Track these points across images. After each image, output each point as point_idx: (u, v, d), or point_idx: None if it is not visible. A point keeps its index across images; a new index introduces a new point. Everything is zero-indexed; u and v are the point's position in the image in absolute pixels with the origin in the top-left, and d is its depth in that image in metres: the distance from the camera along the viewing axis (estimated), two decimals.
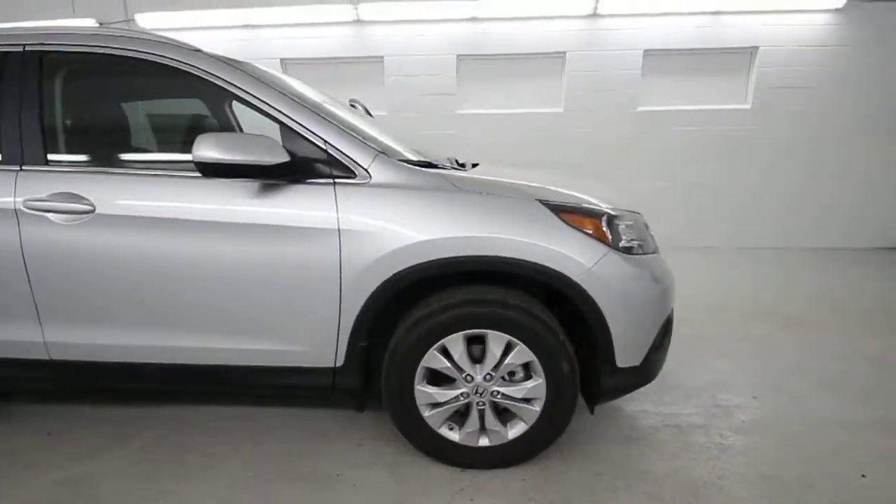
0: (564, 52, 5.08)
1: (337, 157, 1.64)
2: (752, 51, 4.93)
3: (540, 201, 1.65)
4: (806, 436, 2.03)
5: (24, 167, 1.68)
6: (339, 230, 1.59)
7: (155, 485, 1.77)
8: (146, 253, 1.65)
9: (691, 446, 1.97)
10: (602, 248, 1.62)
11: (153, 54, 1.70)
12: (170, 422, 2.16)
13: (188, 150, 1.53)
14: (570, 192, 1.77)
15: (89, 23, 5.25)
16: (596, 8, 4.83)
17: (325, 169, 1.63)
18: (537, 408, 1.73)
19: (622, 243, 1.68)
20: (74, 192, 1.64)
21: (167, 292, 1.68)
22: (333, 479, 1.80)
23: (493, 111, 5.30)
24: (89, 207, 1.63)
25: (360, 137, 1.70)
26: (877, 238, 5.30)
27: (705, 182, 5.19)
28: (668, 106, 5.10)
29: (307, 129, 1.64)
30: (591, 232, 1.63)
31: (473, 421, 1.76)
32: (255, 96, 1.66)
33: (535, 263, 1.57)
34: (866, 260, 4.99)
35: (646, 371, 1.76)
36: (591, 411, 1.87)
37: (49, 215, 1.64)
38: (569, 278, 1.58)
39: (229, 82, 1.67)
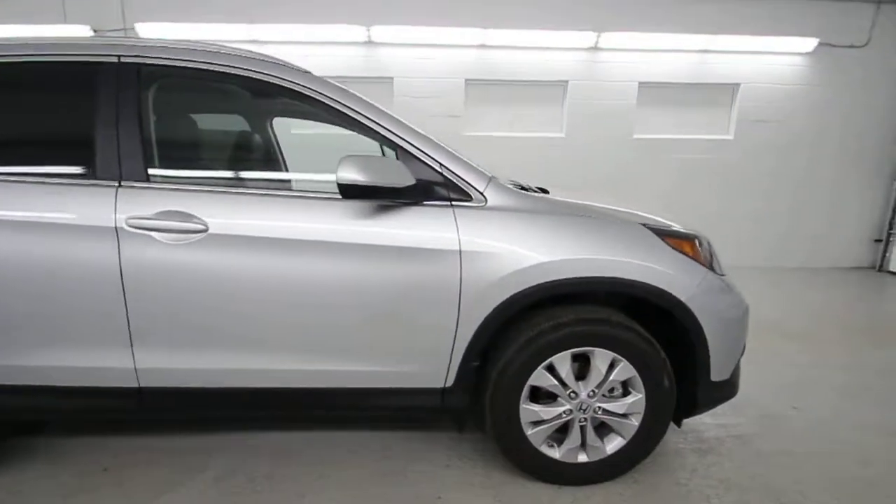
0: (567, 81, 5.35)
1: (453, 180, 1.68)
2: (734, 87, 5.40)
3: (644, 225, 1.76)
4: (854, 441, 2.22)
5: (122, 183, 1.60)
6: (460, 251, 1.62)
7: None
8: (258, 273, 1.60)
9: (760, 455, 2.10)
10: (701, 270, 1.74)
11: (261, 73, 1.68)
12: (236, 450, 2.05)
13: (296, 169, 1.53)
14: (655, 217, 1.90)
15: (84, 30, 5.00)
16: (597, 42, 5.14)
17: (443, 192, 1.67)
18: (635, 422, 1.80)
19: (712, 264, 1.82)
20: (184, 210, 1.58)
21: (277, 314, 1.63)
22: (435, 501, 1.79)
23: (498, 134, 5.46)
24: (202, 227, 1.57)
25: (471, 162, 1.75)
26: (840, 258, 5.84)
27: (694, 204, 5.54)
28: (661, 134, 5.46)
29: (424, 152, 1.68)
30: (690, 254, 1.75)
31: (574, 437, 1.81)
32: (371, 119, 1.68)
33: (649, 285, 1.66)
34: (830, 279, 5.48)
35: (733, 384, 1.89)
36: (679, 425, 1.96)
37: (154, 234, 1.57)
38: (678, 299, 1.68)
39: (344, 104, 1.68)
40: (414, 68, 5.24)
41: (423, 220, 1.64)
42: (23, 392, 1.66)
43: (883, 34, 5.13)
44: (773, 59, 5.24)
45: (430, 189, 1.65)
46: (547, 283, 1.64)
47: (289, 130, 2.22)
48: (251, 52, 1.76)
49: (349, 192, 1.53)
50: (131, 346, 1.63)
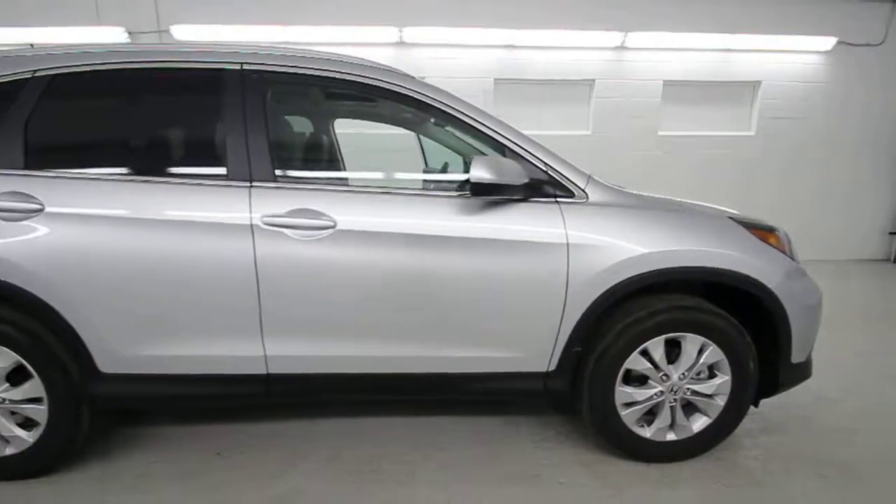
0: (593, 80, 5.47)
1: (557, 178, 1.81)
2: (755, 84, 5.55)
3: (731, 218, 1.89)
4: None
5: (254, 184, 1.71)
6: (567, 245, 1.75)
7: (370, 494, 1.81)
8: (380, 266, 1.72)
9: (824, 432, 2.25)
10: (786, 260, 1.88)
11: (377, 79, 1.80)
12: (339, 434, 2.17)
13: (413, 169, 1.65)
14: (734, 211, 2.03)
15: (118, 32, 5.06)
16: (623, 42, 5.27)
17: (549, 189, 1.79)
18: (721, 402, 1.94)
19: (791, 253, 1.95)
20: (314, 208, 1.69)
21: (397, 304, 1.75)
22: (535, 478, 1.92)
23: (526, 132, 5.57)
24: (330, 223, 1.68)
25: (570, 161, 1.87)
26: (856, 251, 6.02)
27: (715, 198, 5.69)
28: (685, 131, 5.61)
29: (530, 153, 1.80)
30: (774, 244, 1.89)
31: (665, 417, 1.94)
32: (480, 122, 1.80)
33: (741, 274, 1.80)
34: (847, 270, 5.66)
35: (808, 366, 2.03)
36: (756, 405, 2.10)
37: (287, 231, 1.68)
38: (768, 287, 1.81)
39: (455, 108, 1.80)
40: (444, 68, 5.34)
41: (533, 215, 1.76)
42: (165, 380, 1.77)
43: None
44: (793, 57, 5.40)
45: (538, 187, 1.77)
46: (647, 273, 1.77)
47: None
48: (362, 58, 1.87)
49: (478, 189, 1.65)
50: (262, 335, 1.75)
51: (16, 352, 1.71)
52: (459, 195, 1.78)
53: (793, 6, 5.24)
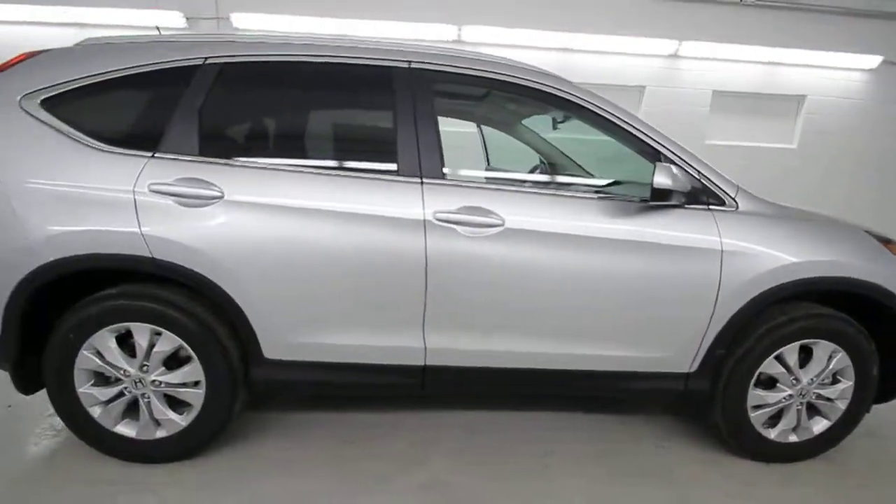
0: (644, 87, 5.55)
1: (710, 186, 1.87)
2: (799, 98, 5.67)
3: (865, 231, 1.97)
4: None
5: (424, 180, 1.75)
6: (721, 251, 1.81)
7: (510, 485, 1.86)
8: (544, 266, 1.77)
9: None
10: None
11: (539, 83, 1.85)
12: (458, 426, 2.22)
13: (573, 173, 1.70)
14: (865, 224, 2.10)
15: (176, 16, 5.02)
16: (677, 50, 5.35)
17: (703, 197, 1.85)
18: (842, 406, 2.02)
19: None
20: (484, 206, 1.73)
21: (557, 302, 1.81)
22: (668, 474, 1.99)
23: (578, 136, 5.64)
24: (499, 222, 1.73)
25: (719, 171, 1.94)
26: None
27: None
28: (731, 141, 5.71)
29: (685, 161, 1.86)
30: None
31: (790, 420, 2.02)
32: (635, 128, 1.86)
33: (877, 285, 1.87)
34: None
35: None
36: (869, 410, 2.18)
37: (457, 227, 1.72)
38: None
39: (611, 113, 1.85)
40: None
41: (690, 222, 1.82)
42: (325, 368, 1.81)
43: None
44: (839, 73, 5.52)
45: (694, 194, 1.83)
46: (794, 281, 1.84)
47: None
48: (520, 61, 1.92)
49: (656, 194, 1.71)
50: (423, 327, 1.79)
51: (180, 336, 1.74)
52: (623, 199, 1.84)
53: (840, 23, 5.35)
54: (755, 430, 2.00)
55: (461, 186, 1.77)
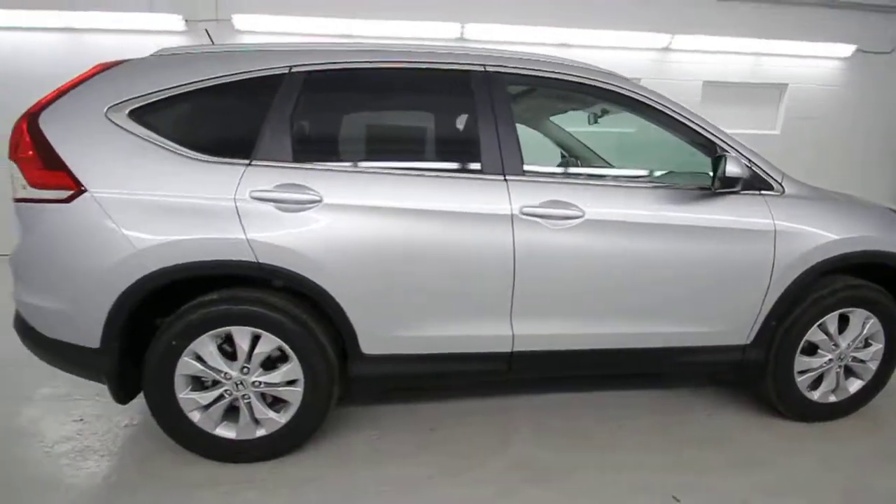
0: (639, 79, 5.75)
1: (760, 174, 2.04)
2: (782, 87, 6.01)
3: (890, 209, 2.19)
4: None
5: (507, 177, 1.86)
6: (774, 232, 1.99)
7: (592, 457, 2.01)
8: (621, 253, 1.91)
9: None
10: None
11: (603, 82, 2.00)
12: (528, 408, 2.35)
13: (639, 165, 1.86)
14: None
15: (174, 19, 4.93)
16: (670, 43, 5.60)
17: (755, 183, 2.02)
18: (874, 367, 2.24)
19: None
20: (564, 199, 1.86)
21: (633, 286, 1.95)
22: (727, 439, 2.17)
23: (572, 129, 5.83)
24: (579, 213, 1.86)
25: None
26: None
27: None
28: (629, 128, 6.00)
29: (738, 152, 2.03)
30: None
31: (830, 382, 2.23)
32: (696, 123, 2.02)
33: None
34: None
35: None
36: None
37: (541, 221, 1.84)
38: None
39: (674, 110, 2.01)
40: None
41: (747, 206, 2.00)
42: (418, 360, 1.91)
43: None
44: (817, 62, 5.88)
45: (748, 181, 2.00)
46: (837, 255, 2.04)
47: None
48: (586, 63, 2.05)
49: (725, 182, 1.87)
50: (510, 315, 1.91)
51: (279, 337, 1.80)
52: (684, 188, 1.99)
53: (818, 15, 5.70)
54: (801, 393, 2.21)
55: (540, 182, 1.89)
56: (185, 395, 1.81)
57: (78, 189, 1.68)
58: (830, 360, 2.19)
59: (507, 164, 1.86)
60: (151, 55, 1.88)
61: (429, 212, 1.80)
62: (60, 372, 1.92)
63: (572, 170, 2.05)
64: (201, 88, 1.79)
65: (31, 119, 1.74)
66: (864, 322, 2.17)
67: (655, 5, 5.48)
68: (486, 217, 1.82)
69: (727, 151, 2.00)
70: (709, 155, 2.03)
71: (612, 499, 1.79)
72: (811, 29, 5.71)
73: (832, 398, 2.26)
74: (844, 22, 5.72)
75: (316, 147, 1.87)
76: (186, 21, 4.99)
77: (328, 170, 1.79)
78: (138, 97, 1.76)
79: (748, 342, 2.11)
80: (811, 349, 2.19)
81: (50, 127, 1.72)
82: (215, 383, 1.84)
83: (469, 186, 1.84)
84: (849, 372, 2.27)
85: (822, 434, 2.23)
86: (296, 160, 1.78)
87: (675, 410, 2.39)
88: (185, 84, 1.78)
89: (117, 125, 1.74)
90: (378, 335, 1.85)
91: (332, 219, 1.75)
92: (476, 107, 1.88)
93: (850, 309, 2.14)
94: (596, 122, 2.68)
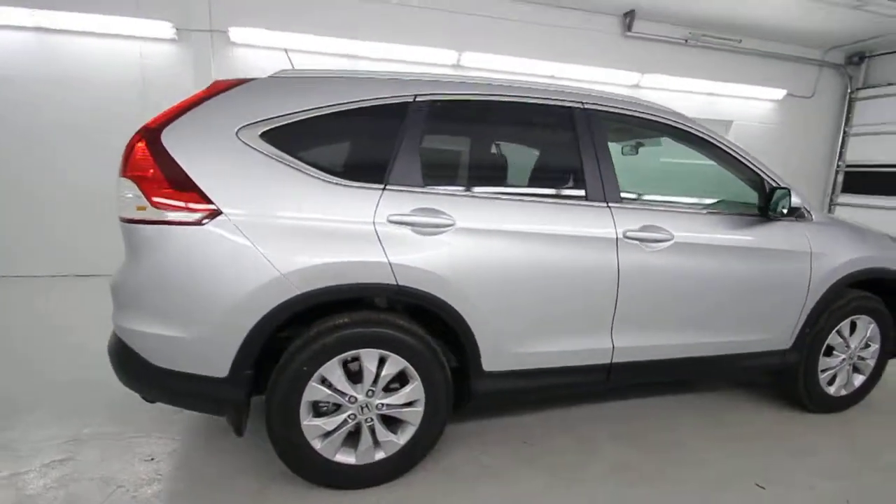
0: None
1: (796, 204, 2.41)
2: (727, 123, 6.87)
3: (888, 236, 2.66)
4: None
5: (609, 204, 2.05)
6: (811, 253, 2.35)
7: (674, 455, 2.22)
8: (697, 271, 2.16)
9: None
10: None
11: (676, 121, 2.26)
12: (600, 419, 2.51)
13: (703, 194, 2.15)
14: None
15: (164, 27, 4.67)
16: (639, 81, 6.21)
17: (795, 211, 2.38)
18: (872, 363, 2.68)
19: None
20: (658, 224, 2.08)
21: (709, 300, 2.21)
22: (768, 431, 2.48)
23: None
24: (669, 237, 2.09)
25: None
26: None
27: None
28: (679, 159, 6.70)
29: (777, 183, 2.38)
30: None
31: (843, 378, 2.63)
32: (748, 160, 2.34)
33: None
34: None
35: None
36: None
37: (640, 244, 2.05)
38: None
39: (730, 147, 2.32)
40: None
41: (791, 231, 2.34)
42: (530, 375, 2.01)
43: (824, 88, 7.00)
44: (757, 103, 6.81)
45: (791, 210, 2.35)
46: (853, 272, 2.44)
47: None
48: (660, 104, 2.31)
49: (791, 211, 2.18)
50: (612, 329, 2.08)
51: (405, 358, 1.83)
52: (744, 214, 2.30)
53: (758, 63, 6.62)
54: (822, 389, 2.59)
55: (635, 208, 2.10)
56: (309, 423, 1.77)
57: (212, 211, 1.62)
58: (843, 359, 2.60)
59: (608, 192, 2.06)
60: (271, 76, 1.86)
61: (547, 235, 1.94)
62: (87, 408, 1.78)
63: (656, 197, 2.27)
64: (332, 113, 1.80)
65: (151, 136, 1.66)
66: (867, 326, 2.61)
67: (632, 46, 6.08)
68: (597, 240, 1.99)
69: (773, 183, 2.35)
70: (753, 187, 2.37)
71: (709, 490, 2.00)
72: (752, 74, 6.61)
73: (843, 392, 2.67)
74: (778, 70, 6.70)
75: (442, 173, 1.94)
76: (178, 30, 4.76)
77: (455, 195, 1.87)
78: (270, 119, 1.74)
79: (788, 347, 2.45)
80: (829, 351, 2.59)
81: (175, 145, 1.65)
82: (336, 408, 1.82)
83: (580, 212, 2.01)
84: (855, 369, 2.70)
85: (838, 421, 2.62)
86: (426, 185, 1.84)
87: (723, 410, 2.68)
88: (316, 108, 1.78)
89: (249, 146, 1.70)
90: (498, 352, 1.94)
91: (464, 242, 1.82)
92: (578, 139, 2.06)
93: (858, 316, 2.57)
94: (633, 153, 2.98)
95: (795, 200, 2.19)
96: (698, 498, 1.95)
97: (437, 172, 1.92)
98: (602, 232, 2.00)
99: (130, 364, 1.70)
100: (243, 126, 1.71)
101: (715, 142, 2.32)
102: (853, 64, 6.98)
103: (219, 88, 1.78)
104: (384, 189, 1.79)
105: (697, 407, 2.71)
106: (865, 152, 6.98)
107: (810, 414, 2.65)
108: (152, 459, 2.06)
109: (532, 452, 2.20)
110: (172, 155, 1.63)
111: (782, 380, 2.64)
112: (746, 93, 6.65)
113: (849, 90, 7.07)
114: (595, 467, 2.12)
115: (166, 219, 1.62)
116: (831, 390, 2.63)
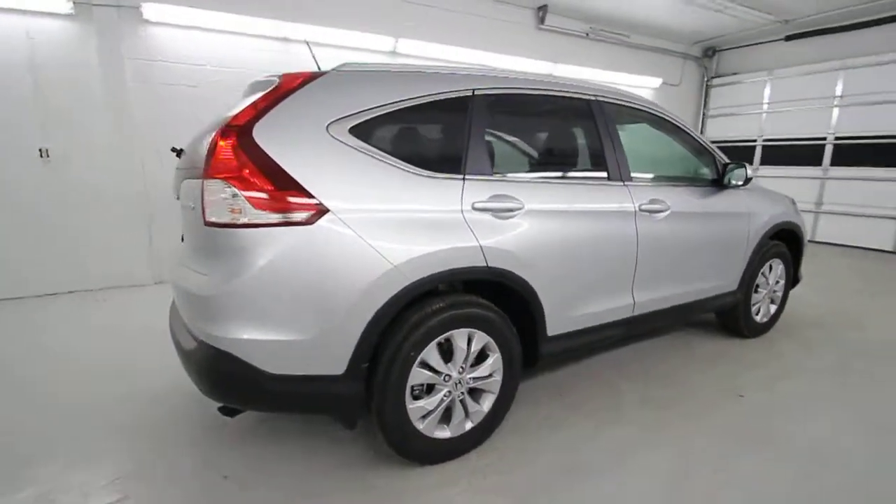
0: None
1: None
2: None
3: (790, 199, 3.47)
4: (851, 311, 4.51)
5: (625, 183, 2.40)
6: (749, 213, 3.01)
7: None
8: (684, 233, 2.64)
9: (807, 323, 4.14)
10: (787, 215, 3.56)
11: (655, 110, 2.70)
12: (614, 364, 2.95)
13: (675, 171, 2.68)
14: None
15: (60, 1, 3.91)
16: (552, 72, 6.83)
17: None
18: (780, 294, 3.53)
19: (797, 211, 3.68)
20: (660, 198, 2.50)
21: (696, 256, 2.73)
22: (722, 355, 3.15)
23: None
24: (667, 207, 2.52)
25: None
26: None
27: None
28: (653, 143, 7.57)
29: (724, 160, 2.97)
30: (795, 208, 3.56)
31: (766, 307, 3.42)
32: (702, 141, 2.88)
33: (798, 226, 3.38)
34: None
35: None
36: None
37: (649, 214, 2.45)
38: (803, 231, 3.45)
39: (692, 132, 2.84)
40: None
41: (733, 196, 2.96)
42: (578, 334, 2.31)
43: (688, 77, 8.40)
44: (642, 91, 7.92)
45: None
46: (776, 225, 3.18)
47: None
48: (640, 95, 2.72)
49: (746, 181, 2.74)
50: (632, 287, 2.47)
51: (488, 333, 2.00)
52: (707, 185, 2.85)
53: (642, 55, 7.71)
54: (754, 319, 3.35)
55: (642, 185, 2.50)
56: (413, 405, 1.86)
57: (319, 209, 1.60)
58: (765, 294, 3.38)
59: (622, 173, 2.42)
60: (338, 71, 1.83)
61: (588, 212, 2.24)
62: (118, 435, 1.79)
63: (649, 175, 2.69)
64: (408, 107, 1.84)
65: (240, 133, 1.56)
66: (778, 267, 3.41)
67: (545, 38, 6.64)
68: (622, 213, 2.35)
69: (722, 160, 2.94)
70: (707, 163, 2.94)
71: (713, 403, 2.52)
72: (638, 65, 7.68)
73: (765, 319, 3.47)
74: (656, 61, 7.87)
75: (504, 161, 2.09)
76: (75, 3, 4.03)
77: (519, 181, 2.06)
78: (357, 113, 1.73)
79: (735, 288, 3.12)
80: (756, 288, 3.34)
81: (267, 142, 1.58)
82: (429, 389, 1.93)
83: (608, 190, 2.34)
84: (771, 301, 3.52)
85: (764, 340, 3.41)
86: (494, 173, 2.00)
87: (690, 345, 3.30)
88: (393, 102, 1.82)
89: (340, 141, 1.69)
90: (558, 318, 2.20)
91: (530, 222, 2.03)
92: (597, 127, 2.37)
93: (774, 259, 3.35)
94: None
95: (749, 174, 2.80)
96: (715, 411, 2.44)
97: (501, 161, 2.08)
98: (625, 206, 2.36)
99: (235, 376, 1.61)
100: (333, 121, 1.69)
101: (683, 128, 2.83)
102: (707, 56, 8.49)
103: (296, 82, 1.72)
104: (464, 179, 1.91)
105: (672, 346, 3.30)
106: (720, 130, 8.59)
107: (746, 339, 3.41)
108: (226, 478, 1.94)
109: (572, 401, 2.53)
110: (269, 153, 1.56)
111: (726, 315, 3.35)
112: (634, 81, 7.70)
113: (705, 79, 8.59)
114: (626, 404, 2.52)
115: (270, 221, 1.55)
116: (759, 319, 3.41)
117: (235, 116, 1.61)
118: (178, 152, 2.34)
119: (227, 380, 1.62)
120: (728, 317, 3.35)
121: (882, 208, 6.62)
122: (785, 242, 3.44)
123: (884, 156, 6.57)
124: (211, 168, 1.55)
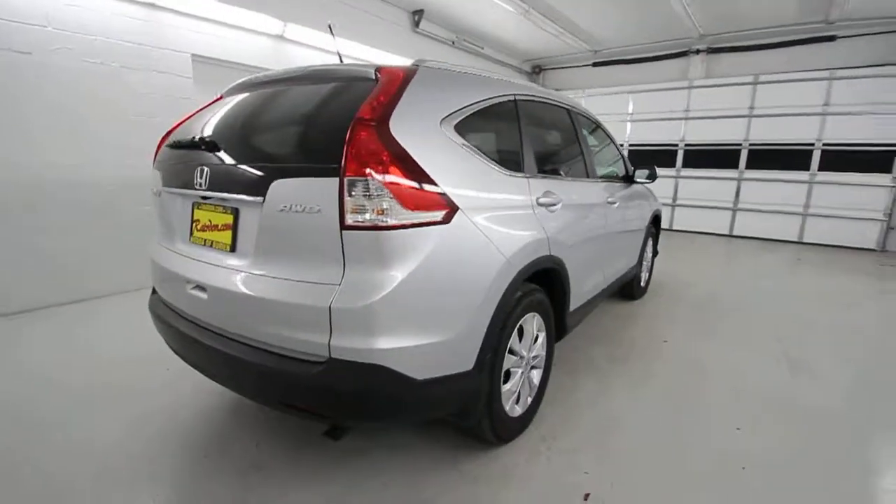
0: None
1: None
2: None
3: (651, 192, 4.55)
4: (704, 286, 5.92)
5: (595, 180, 2.90)
6: (649, 203, 3.90)
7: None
8: (620, 215, 3.28)
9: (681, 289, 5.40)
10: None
11: (595, 119, 3.29)
12: (578, 333, 3.44)
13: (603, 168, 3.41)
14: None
15: None
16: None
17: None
18: (650, 255, 4.64)
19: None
20: (612, 191, 3.08)
21: (625, 235, 3.40)
22: (622, 312, 4.03)
23: None
24: (616, 199, 3.12)
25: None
26: None
27: None
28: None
29: (627, 159, 3.77)
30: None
31: (645, 276, 4.46)
32: (614, 141, 3.61)
33: (659, 213, 4.48)
34: None
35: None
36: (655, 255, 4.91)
37: (611, 204, 3.01)
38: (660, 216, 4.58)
39: (608, 132, 3.54)
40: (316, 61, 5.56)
41: (641, 188, 3.79)
42: (587, 305, 2.72)
43: None
44: None
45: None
46: (653, 213, 4.18)
47: None
48: (566, 95, 3.25)
49: (634, 182, 3.52)
50: (603, 264, 3.00)
51: (541, 314, 2.23)
52: (623, 181, 3.57)
53: (493, 67, 8.64)
54: (640, 286, 4.34)
55: (601, 182, 3.03)
56: (504, 389, 1.97)
57: (451, 207, 1.58)
58: (645, 265, 4.40)
59: (590, 171, 2.91)
60: (425, 67, 1.79)
61: (590, 204, 2.67)
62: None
63: (603, 173, 3.23)
64: (483, 108, 1.92)
65: (380, 126, 1.44)
66: (649, 241, 4.48)
67: (419, 41, 6.91)
68: (607, 204, 2.85)
69: (627, 162, 3.73)
70: (620, 163, 3.71)
71: (659, 347, 3.24)
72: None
73: (643, 285, 4.51)
74: (503, 74, 8.93)
75: (541, 161, 2.28)
76: None
77: (553, 178, 2.32)
78: (459, 110, 1.75)
79: (635, 264, 3.98)
80: (640, 262, 4.33)
81: (402, 139, 1.49)
82: (506, 373, 2.06)
83: (595, 186, 2.80)
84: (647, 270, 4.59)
85: (650, 303, 4.44)
86: (539, 172, 2.22)
87: (611, 310, 4.07)
88: (476, 102, 1.88)
89: (449, 137, 1.69)
90: (575, 294, 2.54)
91: (565, 214, 2.32)
92: (575, 132, 2.81)
93: (653, 236, 4.40)
94: None
95: (655, 174, 3.64)
96: (657, 354, 3.17)
97: (540, 161, 2.30)
98: (605, 198, 2.88)
99: (385, 389, 1.49)
100: (444, 117, 1.68)
101: (608, 135, 3.51)
102: (535, 73, 10.02)
103: (401, 76, 1.64)
104: (527, 178, 2.09)
105: (600, 311, 4.03)
106: None
107: (634, 301, 4.38)
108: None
109: (568, 369, 2.94)
110: (407, 150, 1.48)
111: (626, 284, 4.25)
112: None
113: None
114: (601, 364, 3.05)
115: (418, 221, 1.48)
116: (643, 284, 4.42)
117: (364, 108, 1.47)
118: (174, 145, 1.92)
119: (376, 395, 1.49)
120: (626, 285, 4.26)
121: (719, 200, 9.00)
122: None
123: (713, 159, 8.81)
124: (355, 164, 1.39)
